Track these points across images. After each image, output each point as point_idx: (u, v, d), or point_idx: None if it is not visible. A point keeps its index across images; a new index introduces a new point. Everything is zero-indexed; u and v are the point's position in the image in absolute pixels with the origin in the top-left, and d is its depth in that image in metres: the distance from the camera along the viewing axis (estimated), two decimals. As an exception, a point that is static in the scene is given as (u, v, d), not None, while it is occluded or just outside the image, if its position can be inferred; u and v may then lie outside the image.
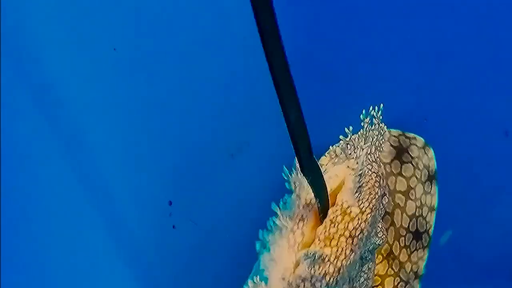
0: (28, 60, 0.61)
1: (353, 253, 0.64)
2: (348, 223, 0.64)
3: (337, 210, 0.65)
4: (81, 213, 0.68)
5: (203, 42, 0.78)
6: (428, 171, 0.87)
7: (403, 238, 0.85)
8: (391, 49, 0.85)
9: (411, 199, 0.84)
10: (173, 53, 0.75)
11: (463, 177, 0.92)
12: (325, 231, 0.64)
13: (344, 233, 0.63)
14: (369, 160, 0.71)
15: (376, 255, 0.78)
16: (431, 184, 0.87)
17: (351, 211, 0.65)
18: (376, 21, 0.84)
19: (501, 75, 0.87)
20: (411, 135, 0.87)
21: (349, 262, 0.64)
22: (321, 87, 0.86)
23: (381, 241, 0.71)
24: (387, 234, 0.83)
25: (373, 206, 0.66)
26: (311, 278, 0.62)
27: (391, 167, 0.84)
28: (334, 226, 0.64)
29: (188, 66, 0.76)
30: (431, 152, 0.87)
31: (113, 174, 0.71)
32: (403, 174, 0.84)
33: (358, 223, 0.64)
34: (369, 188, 0.67)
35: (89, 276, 0.70)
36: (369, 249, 0.70)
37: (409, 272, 0.87)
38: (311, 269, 0.61)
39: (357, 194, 0.65)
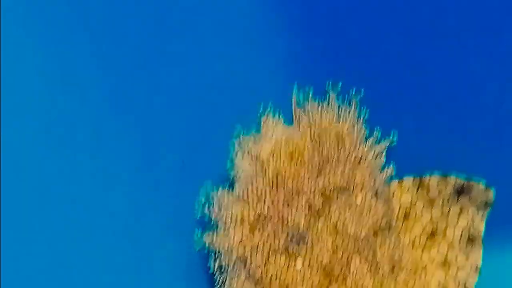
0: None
1: None
2: None
3: None
4: (97, 196, 0.74)
5: (206, 36, 0.83)
6: (486, 201, 0.91)
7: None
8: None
9: (464, 217, 0.91)
10: (177, 49, 0.81)
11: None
12: None
13: None
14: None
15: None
16: (485, 208, 0.91)
17: None
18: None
19: None
20: (473, 182, 0.91)
21: None
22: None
23: None
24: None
25: None
26: None
27: (448, 201, 0.91)
28: None
29: (191, 60, 0.82)
30: (491, 192, 0.91)
31: (126, 166, 0.78)
32: (457, 204, 0.91)
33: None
34: None
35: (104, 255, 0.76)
36: None
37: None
38: None
39: None
